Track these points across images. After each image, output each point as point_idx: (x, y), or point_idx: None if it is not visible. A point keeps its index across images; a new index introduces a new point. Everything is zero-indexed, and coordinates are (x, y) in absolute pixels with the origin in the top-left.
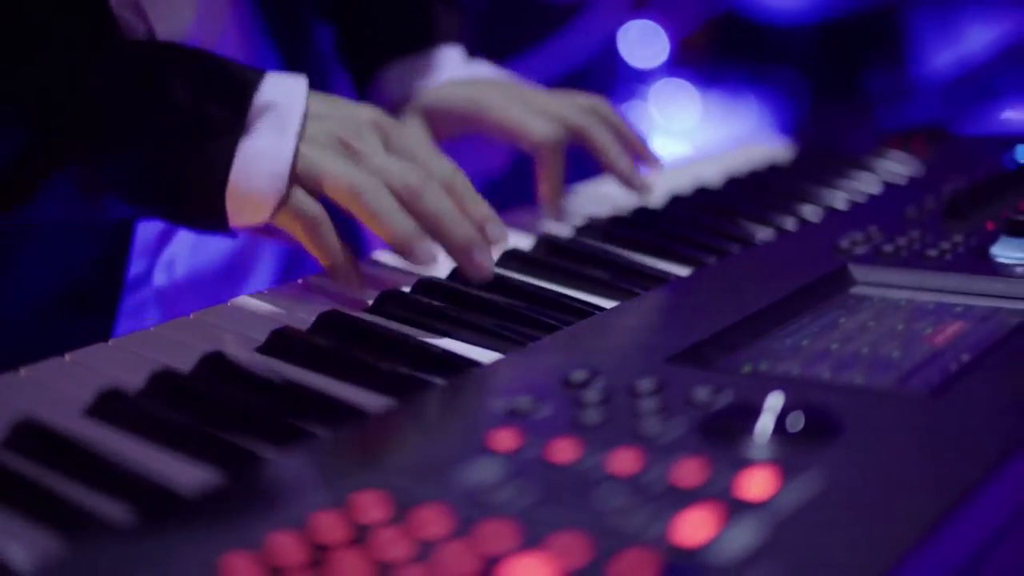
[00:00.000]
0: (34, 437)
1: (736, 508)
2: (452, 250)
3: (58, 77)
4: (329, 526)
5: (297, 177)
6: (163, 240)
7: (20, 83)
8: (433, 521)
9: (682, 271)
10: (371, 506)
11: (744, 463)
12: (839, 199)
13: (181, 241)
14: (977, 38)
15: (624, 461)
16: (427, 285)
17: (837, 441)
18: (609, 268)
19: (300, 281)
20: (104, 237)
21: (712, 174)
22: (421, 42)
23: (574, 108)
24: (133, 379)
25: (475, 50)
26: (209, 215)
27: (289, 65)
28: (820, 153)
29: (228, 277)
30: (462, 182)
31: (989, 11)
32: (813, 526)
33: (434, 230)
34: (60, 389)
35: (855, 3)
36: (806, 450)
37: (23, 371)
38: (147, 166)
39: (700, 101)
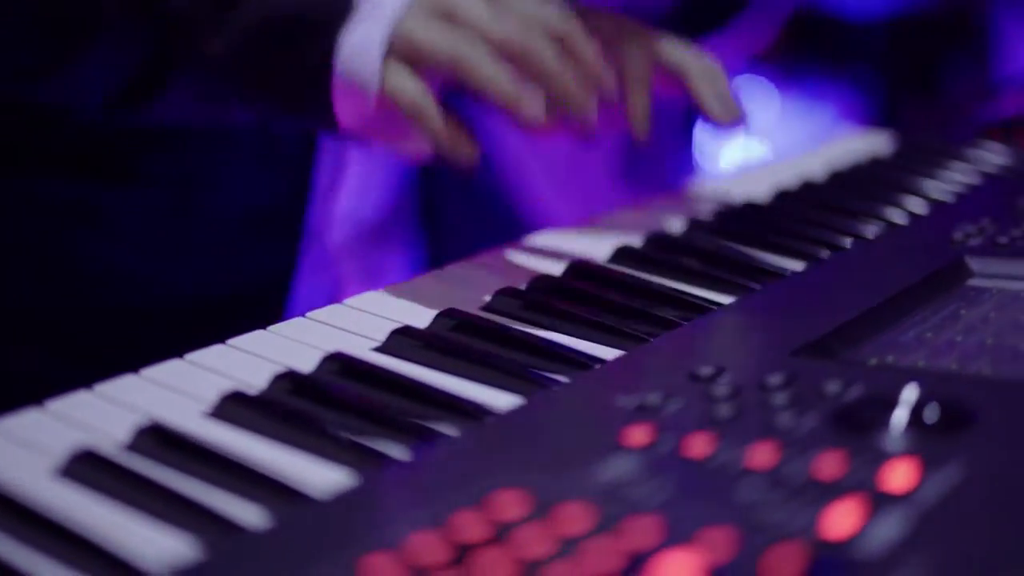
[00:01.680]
0: (159, 440)
1: (880, 500)
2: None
3: None
4: (470, 525)
5: (397, 55)
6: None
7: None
8: (575, 518)
9: (796, 266)
10: (511, 504)
11: (884, 455)
12: (945, 191)
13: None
14: None
15: (762, 455)
16: (542, 282)
17: (973, 432)
18: (723, 264)
19: (413, 280)
20: (285, 165)
21: (815, 168)
22: None
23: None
24: (255, 380)
25: None
26: (319, 111)
27: None
28: (919, 145)
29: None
30: (574, 31)
31: None
32: (958, 518)
33: (542, 85)
34: (181, 391)
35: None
36: (943, 442)
37: (144, 372)
38: (255, 63)
39: (778, 99)
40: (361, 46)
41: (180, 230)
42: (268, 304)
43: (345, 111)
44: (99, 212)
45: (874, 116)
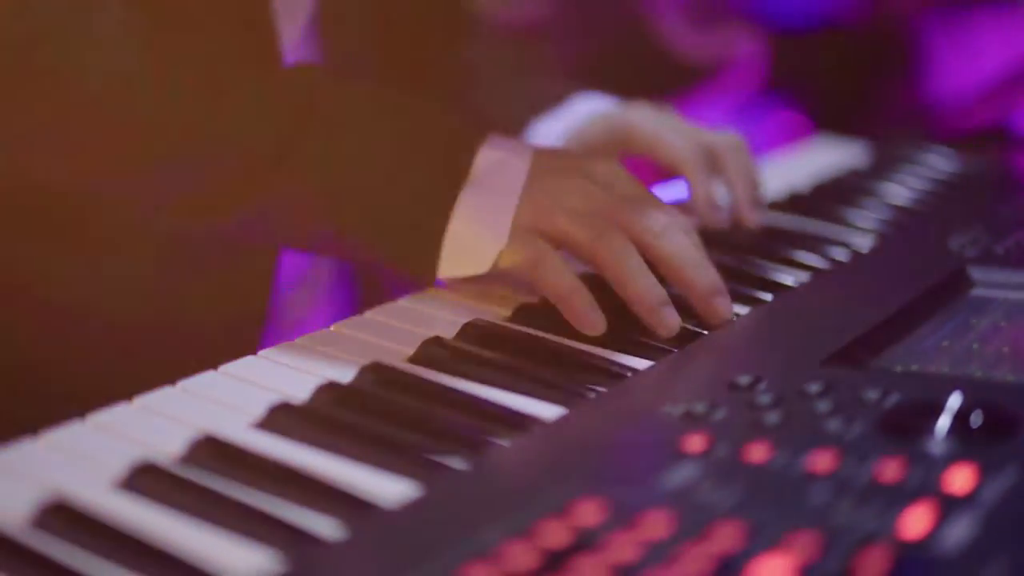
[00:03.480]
0: (209, 448)
1: (947, 503)
2: (694, 296)
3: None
4: (556, 532)
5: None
6: None
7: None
8: (658, 524)
9: (798, 276)
10: (592, 511)
11: (938, 459)
12: (924, 200)
13: None
14: (993, 49)
15: (821, 460)
16: None
17: (1016, 438)
18: (733, 276)
19: (430, 291)
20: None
21: (795, 179)
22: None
23: (717, 137)
24: (297, 392)
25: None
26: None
27: None
28: (891, 155)
29: None
30: (695, 241)
31: (1004, 22)
32: (1022, 518)
33: (674, 275)
34: (222, 400)
35: (866, 15)
36: (991, 445)
37: (180, 384)
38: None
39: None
40: (484, 223)
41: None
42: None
43: (451, 271)
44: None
45: (809, 130)
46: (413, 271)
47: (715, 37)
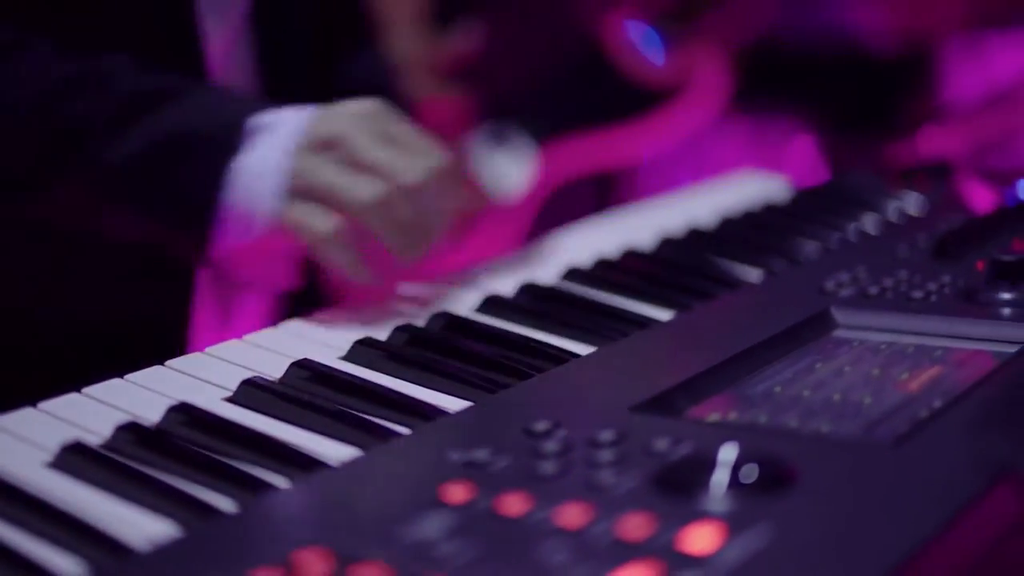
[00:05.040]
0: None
1: (676, 564)
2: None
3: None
4: None
5: (299, 191)
6: None
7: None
8: None
9: (666, 315)
10: (312, 564)
11: (691, 517)
12: (834, 239)
13: None
14: (1005, 69)
15: (572, 514)
16: (402, 331)
17: (791, 493)
18: (591, 313)
19: (275, 328)
20: None
21: (706, 212)
22: None
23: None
24: (101, 430)
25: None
26: (197, 232)
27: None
28: (821, 190)
29: None
30: (452, 171)
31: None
32: None
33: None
34: (27, 439)
35: (881, 37)
36: (758, 503)
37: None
38: (147, 177)
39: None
40: (255, 170)
41: (69, 266)
42: (165, 340)
43: (227, 236)
44: None
45: (823, 150)
46: (189, 246)
47: (679, 59)
